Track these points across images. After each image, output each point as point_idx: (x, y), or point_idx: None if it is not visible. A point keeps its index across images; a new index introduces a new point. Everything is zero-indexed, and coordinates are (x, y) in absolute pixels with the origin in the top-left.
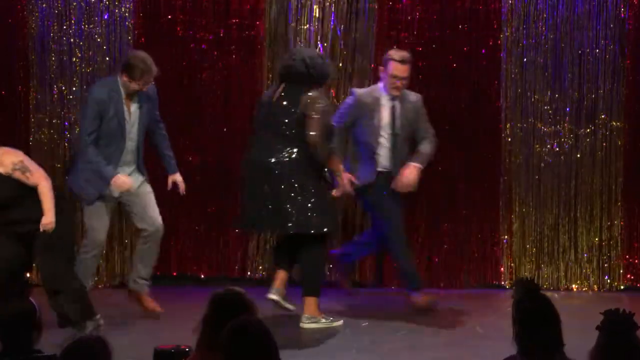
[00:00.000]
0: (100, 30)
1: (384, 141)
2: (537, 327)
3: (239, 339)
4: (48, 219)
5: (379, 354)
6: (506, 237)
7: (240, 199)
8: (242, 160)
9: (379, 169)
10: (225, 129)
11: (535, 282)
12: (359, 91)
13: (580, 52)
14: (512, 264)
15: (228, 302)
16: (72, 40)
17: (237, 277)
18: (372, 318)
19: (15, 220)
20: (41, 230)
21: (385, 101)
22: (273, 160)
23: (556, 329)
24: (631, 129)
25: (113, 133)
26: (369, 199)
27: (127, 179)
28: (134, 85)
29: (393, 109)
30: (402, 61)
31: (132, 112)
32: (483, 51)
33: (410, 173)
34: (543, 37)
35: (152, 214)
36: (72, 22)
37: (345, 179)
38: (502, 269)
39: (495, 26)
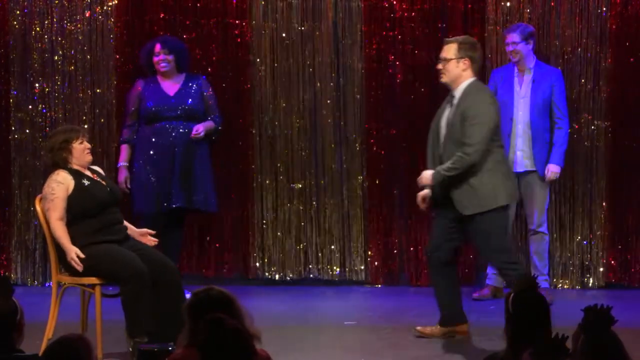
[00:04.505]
0: (82, 29)
1: None
2: (527, 324)
3: (213, 332)
4: None
5: (364, 353)
6: None
7: None
8: None
9: None
10: None
11: (535, 281)
12: None
13: (562, 51)
14: None
15: (208, 300)
16: (53, 38)
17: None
18: (357, 317)
19: None
20: None
21: None
22: None
23: (546, 330)
24: (614, 128)
25: None
26: None
27: None
28: None
29: None
30: None
31: None
32: None
33: None
34: None
35: None
36: (54, 20)
37: None
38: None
39: (477, 24)
